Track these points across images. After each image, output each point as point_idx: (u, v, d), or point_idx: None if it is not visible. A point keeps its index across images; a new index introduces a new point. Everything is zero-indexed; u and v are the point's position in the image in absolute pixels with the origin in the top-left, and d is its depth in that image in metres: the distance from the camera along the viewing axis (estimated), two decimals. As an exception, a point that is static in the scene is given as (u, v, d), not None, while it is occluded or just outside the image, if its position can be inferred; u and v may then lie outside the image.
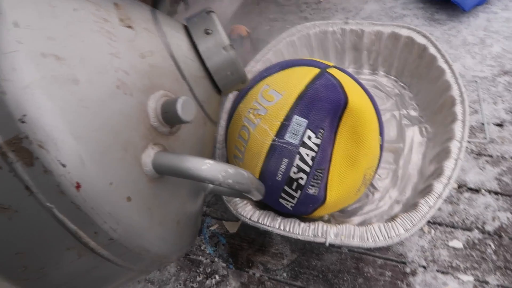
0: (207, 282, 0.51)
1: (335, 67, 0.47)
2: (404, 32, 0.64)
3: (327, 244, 0.43)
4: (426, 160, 0.55)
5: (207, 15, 0.34)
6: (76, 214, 0.24)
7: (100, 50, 0.27)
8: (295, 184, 0.42)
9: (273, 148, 0.42)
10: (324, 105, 0.41)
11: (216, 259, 0.52)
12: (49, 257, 0.26)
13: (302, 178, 0.42)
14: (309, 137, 0.41)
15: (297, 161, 0.41)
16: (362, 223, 0.51)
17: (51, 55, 0.24)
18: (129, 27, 0.30)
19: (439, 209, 0.52)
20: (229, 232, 0.55)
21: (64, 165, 0.23)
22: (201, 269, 0.52)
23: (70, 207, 0.24)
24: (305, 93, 0.42)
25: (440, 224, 0.51)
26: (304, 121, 0.41)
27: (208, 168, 0.27)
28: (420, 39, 0.62)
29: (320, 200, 0.44)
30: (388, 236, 0.43)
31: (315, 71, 0.44)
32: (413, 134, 0.59)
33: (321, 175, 0.42)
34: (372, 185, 0.55)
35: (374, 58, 0.69)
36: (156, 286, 0.51)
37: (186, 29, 0.34)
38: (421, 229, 0.51)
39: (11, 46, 0.22)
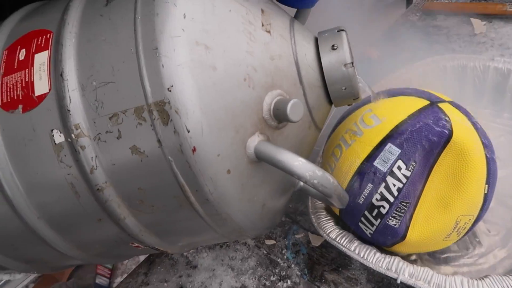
0: (279, 284, 0.53)
1: (451, 102, 0.44)
2: (562, 78, 0.55)
3: (398, 281, 0.41)
4: (551, 226, 0.47)
5: (337, 33, 0.37)
6: (186, 171, 0.30)
7: (239, 47, 0.32)
8: (375, 211, 0.42)
9: (360, 171, 0.42)
10: (422, 139, 0.40)
11: (292, 266, 0.55)
12: (159, 199, 0.33)
13: (384, 207, 0.41)
14: (399, 168, 0.40)
15: (381, 189, 0.41)
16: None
17: (203, 44, 0.30)
18: (268, 31, 0.35)
19: (555, 287, 0.44)
20: (312, 245, 0.56)
21: (188, 131, 0.29)
22: (277, 271, 0.55)
23: (184, 164, 0.30)
24: (405, 123, 0.41)
25: (551, 304, 0.43)
26: (397, 151, 0.40)
27: (299, 165, 0.31)
28: None
29: (400, 235, 0.42)
30: (469, 293, 0.39)
31: (424, 102, 0.43)
32: (546, 195, 0.51)
33: (405, 208, 0.41)
34: (476, 238, 0.50)
35: (518, 102, 0.61)
36: (235, 273, 0.56)
37: (316, 41, 0.38)
38: (524, 303, 0.44)
39: (177, 32, 0.29)
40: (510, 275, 0.39)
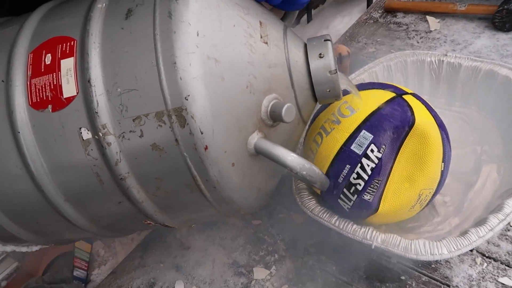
0: (267, 258, 0.60)
1: (413, 94, 0.52)
2: (503, 72, 0.65)
3: (373, 247, 0.49)
4: (495, 197, 0.56)
5: (324, 42, 0.43)
6: (199, 165, 0.36)
7: (242, 58, 0.38)
8: (353, 188, 0.49)
9: (339, 154, 0.49)
10: (390, 126, 0.47)
11: (278, 241, 0.61)
12: (173, 186, 0.39)
13: (360, 184, 0.48)
14: (372, 150, 0.47)
15: (358, 169, 0.48)
16: (416, 241, 0.55)
17: (213, 58, 0.35)
18: (266, 43, 0.40)
19: (498, 245, 0.53)
20: (295, 222, 0.63)
21: (202, 132, 0.34)
22: (264, 246, 0.61)
23: (197, 159, 0.36)
24: (376, 112, 0.48)
25: (495, 259, 0.52)
26: (370, 136, 0.47)
27: (292, 159, 0.38)
28: (517, 80, 0.63)
29: (373, 208, 0.49)
30: (430, 253, 0.47)
31: (390, 95, 0.50)
32: (490, 171, 0.60)
33: (378, 185, 0.48)
34: (434, 209, 0.58)
35: (468, 93, 0.70)
36: (227, 250, 0.62)
37: (305, 48, 0.44)
38: (474, 260, 0.53)
39: (192, 49, 0.34)
40: (461, 236, 0.48)
